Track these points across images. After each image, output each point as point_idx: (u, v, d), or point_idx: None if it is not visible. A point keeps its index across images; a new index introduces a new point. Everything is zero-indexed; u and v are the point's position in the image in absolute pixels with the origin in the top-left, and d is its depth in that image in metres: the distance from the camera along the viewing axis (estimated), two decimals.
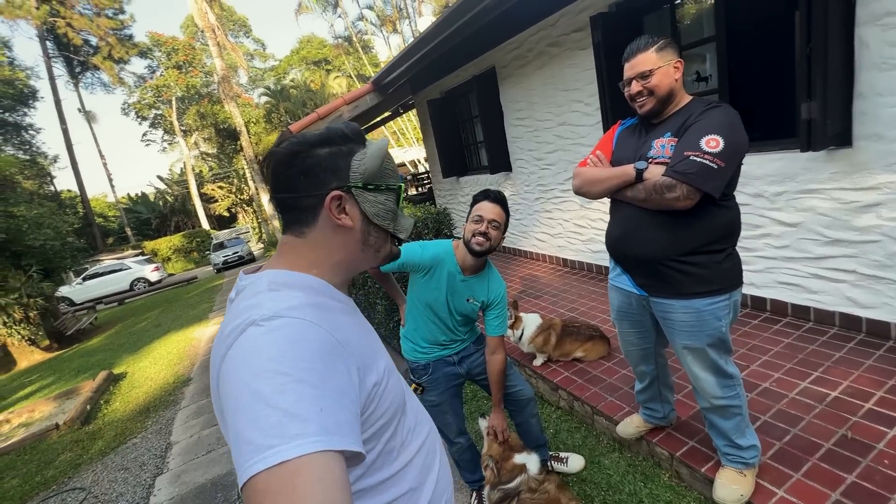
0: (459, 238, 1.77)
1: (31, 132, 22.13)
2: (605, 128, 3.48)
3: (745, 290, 2.85)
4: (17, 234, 7.46)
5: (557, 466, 2.13)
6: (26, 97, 21.23)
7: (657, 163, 1.43)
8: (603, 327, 2.97)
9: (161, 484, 2.99)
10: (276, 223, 13.44)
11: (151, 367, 5.66)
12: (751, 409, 1.97)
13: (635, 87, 1.45)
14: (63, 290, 13.92)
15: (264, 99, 25.47)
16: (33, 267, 7.68)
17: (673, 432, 2.02)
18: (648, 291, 1.57)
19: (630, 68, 1.45)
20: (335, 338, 0.58)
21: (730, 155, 1.32)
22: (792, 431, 1.87)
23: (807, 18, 2.10)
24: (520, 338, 2.77)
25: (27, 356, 7.96)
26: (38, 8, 20.81)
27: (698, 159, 1.30)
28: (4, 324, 7.29)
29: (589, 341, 2.80)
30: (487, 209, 1.65)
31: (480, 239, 1.62)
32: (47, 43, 22.71)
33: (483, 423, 1.92)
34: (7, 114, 20.64)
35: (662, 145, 1.44)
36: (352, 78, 23.89)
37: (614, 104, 3.32)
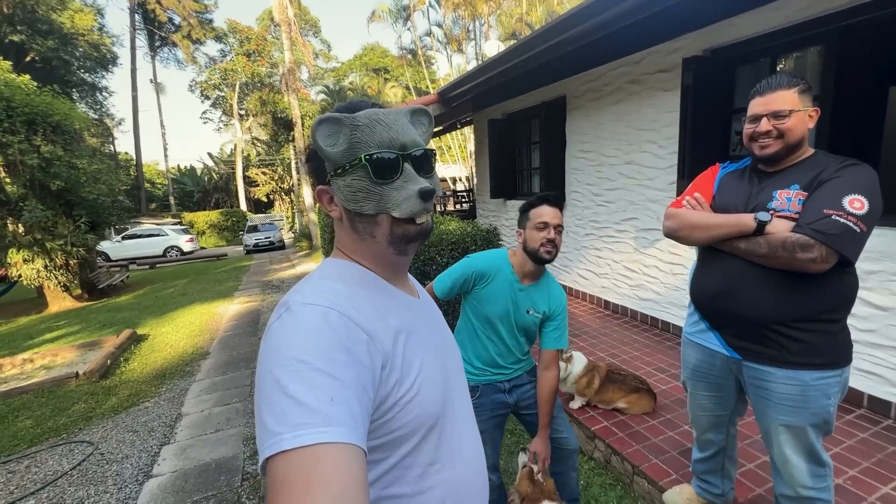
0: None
1: (104, 94, 23.56)
2: (680, 173, 3.32)
3: None
4: (75, 184, 7.77)
5: None
6: (107, 62, 22.65)
7: (780, 216, 1.29)
8: (649, 380, 2.77)
9: (166, 454, 2.92)
10: (312, 216, 13.64)
11: (173, 334, 5.70)
12: None
13: (765, 125, 1.31)
14: (103, 245, 14.47)
15: (321, 97, 26.35)
16: (83, 218, 7.96)
17: None
18: (744, 355, 1.40)
19: (763, 104, 1.32)
20: (363, 329, 0.57)
21: (872, 220, 1.19)
22: None
23: None
24: (568, 374, 2.60)
25: (59, 301, 8.21)
26: None
27: (842, 220, 1.16)
28: (45, 267, 7.55)
29: (634, 393, 2.60)
30: (550, 214, 1.56)
31: (549, 247, 1.55)
32: (136, 15, 24.38)
33: (523, 458, 1.76)
34: (87, 74, 22.04)
35: (788, 198, 1.30)
36: (408, 89, 24.46)
37: (694, 150, 3.18)
